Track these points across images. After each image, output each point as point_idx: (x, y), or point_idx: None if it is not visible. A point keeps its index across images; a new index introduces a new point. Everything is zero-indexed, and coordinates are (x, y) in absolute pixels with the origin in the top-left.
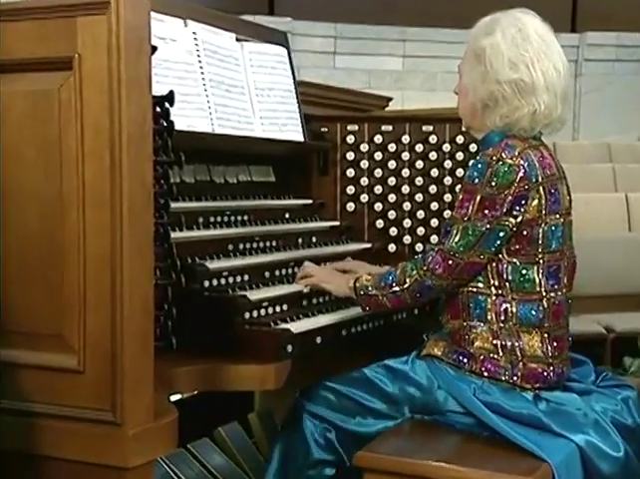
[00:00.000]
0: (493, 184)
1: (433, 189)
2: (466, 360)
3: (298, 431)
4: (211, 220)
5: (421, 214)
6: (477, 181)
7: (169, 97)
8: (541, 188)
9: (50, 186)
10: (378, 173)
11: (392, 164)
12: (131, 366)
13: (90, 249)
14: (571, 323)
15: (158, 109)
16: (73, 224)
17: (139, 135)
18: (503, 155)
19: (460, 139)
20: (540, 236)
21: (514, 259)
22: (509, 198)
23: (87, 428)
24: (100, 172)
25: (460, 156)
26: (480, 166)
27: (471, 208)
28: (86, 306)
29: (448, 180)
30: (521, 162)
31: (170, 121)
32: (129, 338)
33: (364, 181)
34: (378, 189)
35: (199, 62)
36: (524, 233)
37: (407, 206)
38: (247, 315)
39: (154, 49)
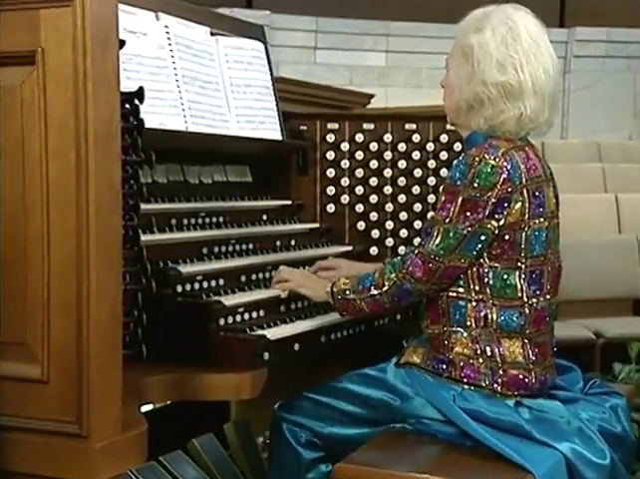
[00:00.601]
0: (476, 185)
1: (416, 189)
2: (444, 366)
3: (283, 442)
4: (185, 221)
5: (404, 215)
6: (458, 182)
7: (139, 93)
8: (525, 190)
9: (12, 186)
10: (359, 173)
11: (374, 163)
12: (98, 376)
13: (54, 253)
14: (559, 328)
15: (127, 106)
16: (36, 226)
17: (106, 133)
18: (486, 155)
19: (444, 138)
20: (523, 240)
21: (496, 264)
22: (492, 200)
23: (51, 441)
24: (65, 171)
25: (444, 155)
26: (462, 166)
27: (452, 209)
28: (50, 313)
29: (431, 180)
30: (505, 163)
31: (140, 119)
32: (96, 347)
33: (345, 181)
34: (359, 189)
35: (172, 57)
36: (506, 237)
37: (389, 207)
38: (222, 322)
39: (122, 43)
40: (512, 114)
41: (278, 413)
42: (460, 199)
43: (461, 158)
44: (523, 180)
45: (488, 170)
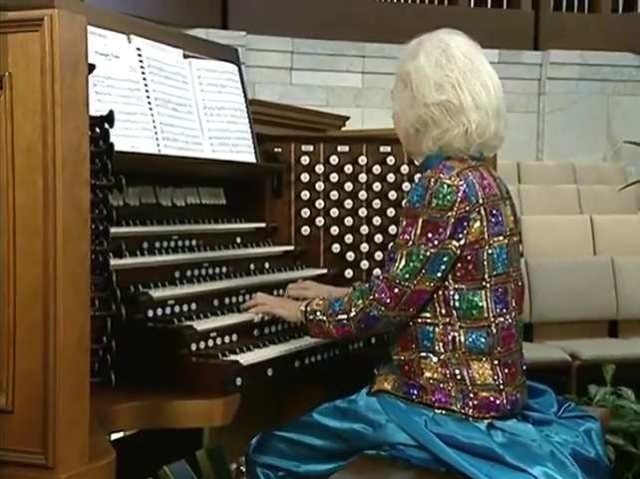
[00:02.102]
0: (434, 205)
1: (391, 212)
2: (416, 392)
3: None
4: (157, 245)
5: (379, 237)
6: (417, 204)
7: (109, 117)
8: (482, 209)
9: None
10: (334, 195)
11: (348, 186)
12: (64, 405)
13: (20, 280)
14: (535, 350)
15: (97, 130)
16: (2, 252)
17: (74, 158)
18: (441, 175)
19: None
20: (485, 258)
21: (461, 286)
22: (452, 220)
23: (16, 473)
24: (32, 197)
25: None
26: (419, 188)
27: (413, 232)
28: (16, 341)
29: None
30: (460, 182)
31: (110, 143)
32: (62, 375)
33: (319, 203)
34: (334, 212)
35: (144, 79)
36: (468, 257)
37: (364, 229)
38: (194, 347)
39: (92, 67)
40: (458, 130)
41: (251, 456)
42: (420, 221)
43: (417, 180)
44: (480, 198)
45: (445, 189)
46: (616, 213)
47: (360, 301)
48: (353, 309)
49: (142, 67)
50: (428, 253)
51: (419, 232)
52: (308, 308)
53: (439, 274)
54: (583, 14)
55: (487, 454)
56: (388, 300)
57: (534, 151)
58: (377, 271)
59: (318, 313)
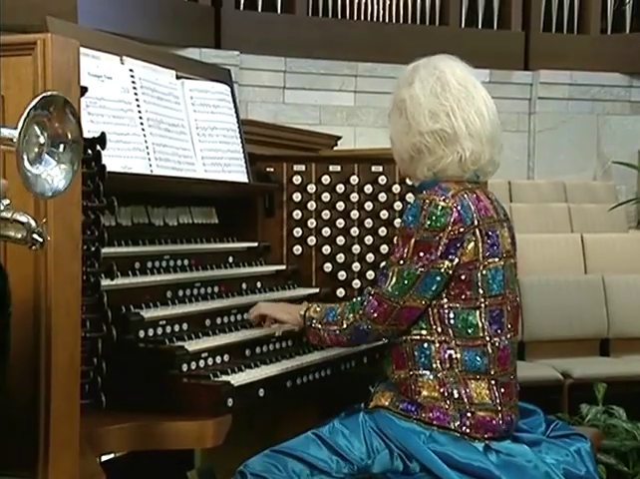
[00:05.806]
0: (427, 226)
1: (383, 231)
2: (414, 409)
3: None
4: (149, 265)
5: (370, 257)
6: (411, 225)
7: (101, 139)
8: (477, 230)
9: None
10: (326, 214)
11: (340, 205)
12: (54, 427)
13: (12, 301)
14: (526, 369)
15: (89, 151)
16: None
17: None
18: (436, 197)
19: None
20: (479, 279)
21: (456, 304)
22: (444, 240)
23: None
24: None
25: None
26: (413, 209)
27: (406, 251)
28: None
29: (398, 222)
30: (455, 204)
31: (102, 164)
32: (52, 397)
33: (311, 222)
34: (326, 231)
35: (137, 100)
36: (462, 277)
37: (356, 248)
38: (185, 367)
39: (84, 90)
40: (452, 158)
41: (243, 470)
42: (413, 240)
43: (412, 201)
44: (475, 220)
45: (439, 211)
46: (607, 231)
47: (351, 315)
48: (344, 322)
49: (134, 88)
50: (418, 272)
51: (411, 251)
52: (307, 314)
53: (430, 293)
54: (573, 35)
55: (485, 475)
56: (376, 315)
57: (525, 169)
58: (370, 288)
59: (314, 321)
